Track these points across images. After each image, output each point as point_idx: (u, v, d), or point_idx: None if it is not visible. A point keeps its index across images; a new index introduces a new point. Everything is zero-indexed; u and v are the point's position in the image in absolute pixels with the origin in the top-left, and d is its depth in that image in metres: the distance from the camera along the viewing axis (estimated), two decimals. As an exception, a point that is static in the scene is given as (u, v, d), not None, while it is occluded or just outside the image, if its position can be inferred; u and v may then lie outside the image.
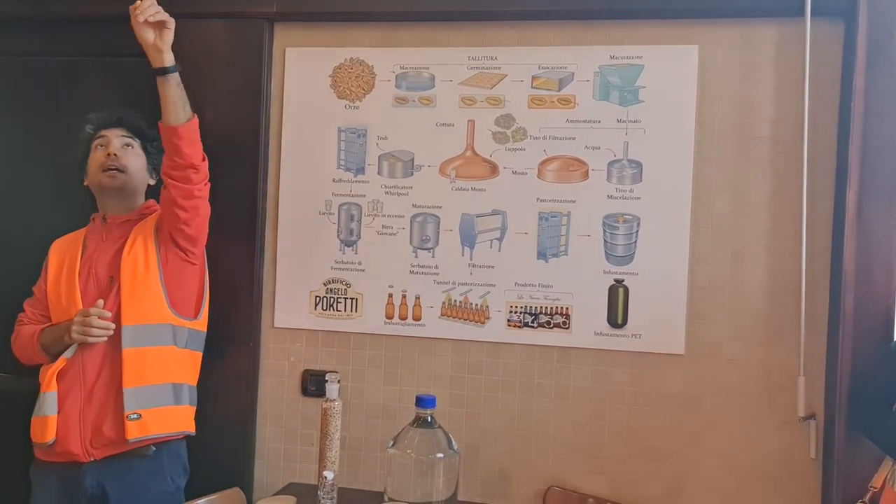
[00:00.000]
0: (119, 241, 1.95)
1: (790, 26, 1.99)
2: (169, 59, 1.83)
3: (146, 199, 2.06)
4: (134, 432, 1.85)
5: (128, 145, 1.98)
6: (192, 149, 1.87)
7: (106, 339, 1.84)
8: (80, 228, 2.04)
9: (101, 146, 1.96)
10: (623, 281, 2.08)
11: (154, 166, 2.02)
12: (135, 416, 1.85)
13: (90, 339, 1.82)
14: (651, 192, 2.06)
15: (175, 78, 1.85)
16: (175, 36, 2.20)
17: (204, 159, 1.90)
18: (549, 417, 2.11)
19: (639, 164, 2.07)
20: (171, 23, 1.82)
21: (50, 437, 1.84)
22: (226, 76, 2.22)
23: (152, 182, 2.04)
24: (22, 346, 1.98)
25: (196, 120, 1.88)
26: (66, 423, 1.85)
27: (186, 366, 1.99)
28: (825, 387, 1.98)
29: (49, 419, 1.85)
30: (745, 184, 2.03)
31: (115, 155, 1.93)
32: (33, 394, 1.93)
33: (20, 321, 2.01)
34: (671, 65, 2.05)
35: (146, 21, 1.78)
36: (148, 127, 1.99)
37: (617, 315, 2.08)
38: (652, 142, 2.06)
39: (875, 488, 1.72)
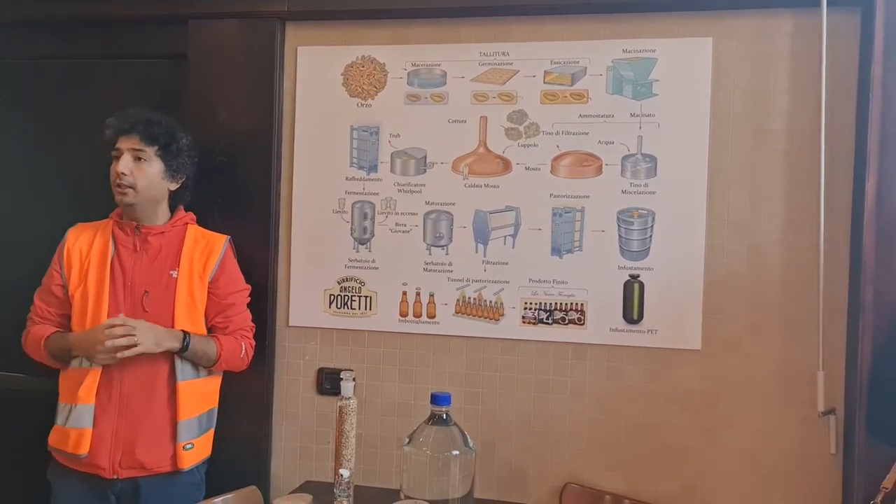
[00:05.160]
0: (156, 255, 1.94)
1: (806, 16, 1.97)
2: (174, 348, 1.88)
3: (174, 202, 2.01)
4: (187, 461, 1.92)
5: (139, 158, 1.90)
6: (232, 366, 2.02)
7: (126, 354, 1.81)
8: (99, 221, 2.01)
9: (115, 158, 1.92)
10: (638, 276, 2.06)
11: (175, 169, 1.96)
12: (189, 446, 1.92)
13: (131, 353, 1.81)
14: (666, 186, 2.05)
15: (188, 352, 1.90)
16: (188, 36, 2.24)
17: (245, 356, 2.03)
18: (564, 414, 2.10)
19: (653, 159, 2.05)
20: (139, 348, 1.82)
21: (84, 450, 1.85)
22: (238, 76, 2.23)
23: (173, 187, 1.98)
24: (33, 348, 1.95)
25: (222, 358, 1.96)
26: (99, 438, 1.86)
27: (216, 390, 2.05)
28: (845, 381, 1.95)
29: (84, 432, 1.85)
30: (762, 176, 2.01)
31: (123, 174, 1.88)
32: (47, 393, 1.94)
33: (31, 318, 1.98)
34: (685, 58, 2.03)
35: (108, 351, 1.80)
36: (164, 129, 1.93)
37: (632, 311, 2.06)
38: (666, 135, 2.05)
39: (887, 489, 1.69)
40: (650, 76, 2.05)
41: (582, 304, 2.09)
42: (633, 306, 2.06)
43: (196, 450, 1.94)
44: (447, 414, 1.76)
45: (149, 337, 1.83)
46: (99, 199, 2.06)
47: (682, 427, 2.04)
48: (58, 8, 2.31)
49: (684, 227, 2.03)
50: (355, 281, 2.22)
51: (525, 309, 2.12)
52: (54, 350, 1.91)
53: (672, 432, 2.04)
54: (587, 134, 2.09)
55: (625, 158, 2.07)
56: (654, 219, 2.05)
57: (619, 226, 2.07)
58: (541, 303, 2.11)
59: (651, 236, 2.05)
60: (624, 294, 2.07)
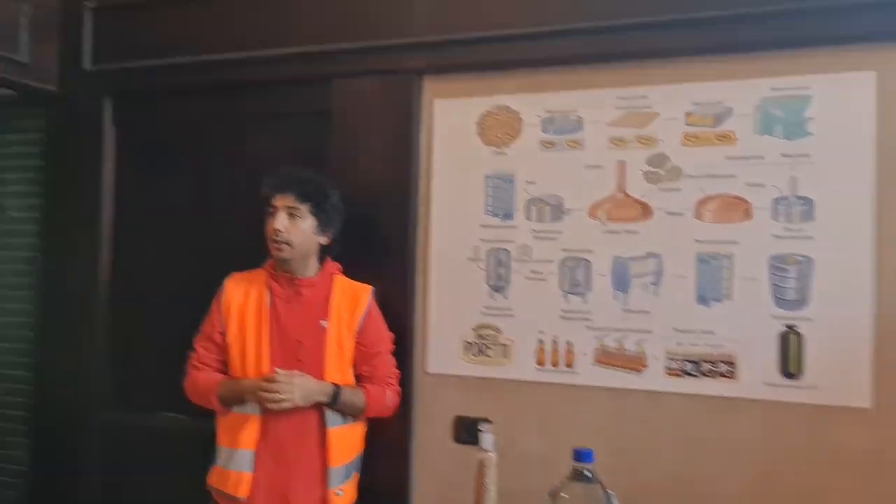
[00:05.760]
0: (308, 307, 2.02)
1: (985, 43, 1.80)
2: (323, 402, 1.96)
3: (323, 254, 2.08)
4: None
5: (293, 215, 1.98)
6: (378, 413, 2.07)
7: (275, 408, 1.90)
8: (255, 269, 2.10)
9: (271, 215, 2.00)
10: (795, 327, 1.92)
11: (326, 224, 2.03)
12: (339, 492, 1.98)
13: (278, 407, 1.90)
14: (825, 230, 1.91)
15: (338, 405, 1.97)
16: (331, 93, 2.35)
17: (392, 404, 2.09)
18: (715, 474, 1.97)
19: (809, 201, 1.92)
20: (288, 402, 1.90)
21: (244, 493, 1.94)
22: (378, 129, 2.31)
23: (324, 241, 2.05)
24: (197, 393, 2.04)
25: (369, 407, 2.03)
26: (257, 483, 1.95)
27: (362, 435, 2.10)
28: None
29: (244, 476, 1.94)
30: (938, 219, 1.83)
31: (279, 230, 1.96)
32: (208, 435, 2.04)
33: (193, 364, 2.06)
34: (844, 94, 1.91)
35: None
36: (316, 187, 2.02)
37: (790, 364, 1.92)
38: (824, 177, 1.91)
39: None
40: (804, 114, 1.93)
41: (732, 356, 1.97)
42: (790, 359, 1.92)
43: (345, 496, 1.99)
44: (590, 471, 1.69)
45: (297, 392, 1.90)
46: (255, 249, 2.17)
47: (848, 494, 1.86)
48: (215, 74, 2.50)
49: (849, 275, 1.88)
50: (491, 328, 2.21)
51: (669, 359, 2.03)
52: (226, 395, 1.99)
53: (836, 500, 1.86)
54: (734, 176, 1.99)
55: (777, 201, 1.95)
56: (812, 266, 1.91)
57: (772, 273, 1.95)
58: (687, 353, 2.01)
59: (810, 284, 1.91)
60: (780, 346, 1.93)
